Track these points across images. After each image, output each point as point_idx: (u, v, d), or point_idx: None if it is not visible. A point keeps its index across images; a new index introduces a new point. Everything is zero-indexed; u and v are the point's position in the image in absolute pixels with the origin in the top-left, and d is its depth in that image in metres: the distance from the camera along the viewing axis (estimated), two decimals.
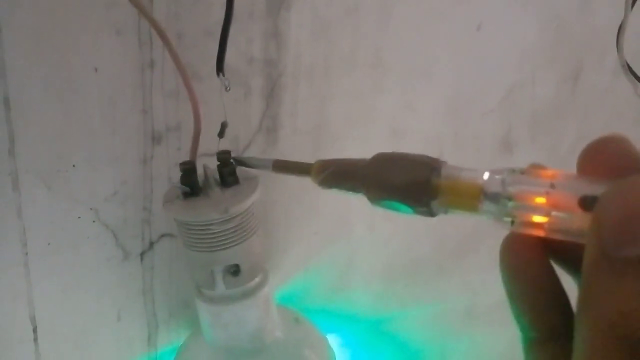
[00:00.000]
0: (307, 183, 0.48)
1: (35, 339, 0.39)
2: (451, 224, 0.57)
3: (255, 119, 0.43)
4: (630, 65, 0.52)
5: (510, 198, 0.16)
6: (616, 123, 0.64)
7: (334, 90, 0.46)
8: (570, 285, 0.18)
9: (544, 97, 0.59)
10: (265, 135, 0.44)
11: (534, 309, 0.17)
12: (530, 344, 0.18)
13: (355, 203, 0.51)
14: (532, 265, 0.17)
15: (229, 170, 0.34)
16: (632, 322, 0.12)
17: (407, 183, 0.19)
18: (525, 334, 0.18)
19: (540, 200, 0.16)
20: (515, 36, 0.54)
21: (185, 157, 0.39)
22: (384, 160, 0.20)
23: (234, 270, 0.34)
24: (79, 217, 0.38)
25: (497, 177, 0.17)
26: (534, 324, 0.17)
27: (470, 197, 0.17)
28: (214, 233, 0.33)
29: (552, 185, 0.16)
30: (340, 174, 0.22)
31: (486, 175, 0.17)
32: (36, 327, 0.39)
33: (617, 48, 0.55)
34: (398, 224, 0.54)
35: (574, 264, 0.17)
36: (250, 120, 0.42)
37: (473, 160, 0.56)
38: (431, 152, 0.56)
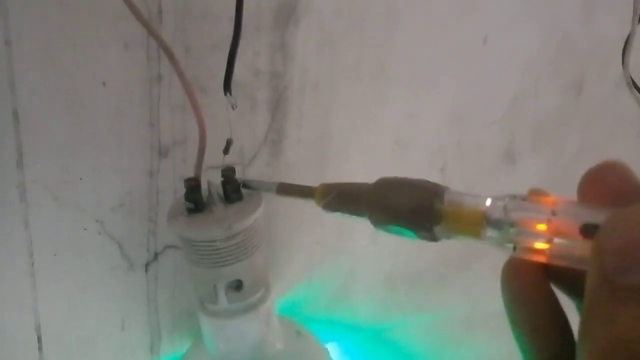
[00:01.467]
0: None
1: (40, 348, 0.39)
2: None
3: (261, 131, 0.43)
4: (635, 80, 0.52)
5: (512, 225, 0.17)
6: (618, 134, 0.64)
7: (339, 101, 0.46)
8: (570, 308, 0.18)
9: (547, 108, 0.59)
10: (271, 147, 0.44)
11: (535, 332, 0.18)
12: None
13: None
14: (534, 289, 0.18)
15: (233, 187, 0.34)
16: (633, 349, 0.12)
17: (411, 209, 0.19)
18: (526, 357, 0.18)
19: (542, 227, 0.16)
20: (520, 48, 0.54)
21: (192, 171, 0.39)
22: (387, 186, 0.21)
23: (237, 286, 0.35)
24: (85, 228, 0.38)
25: (499, 203, 0.17)
26: (536, 348, 0.18)
27: (473, 224, 0.18)
28: (217, 249, 0.33)
29: (554, 213, 0.16)
30: (343, 199, 0.22)
31: (488, 202, 0.17)
32: (41, 336, 0.39)
33: (623, 64, 0.56)
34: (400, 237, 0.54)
35: (575, 290, 0.17)
36: (256, 132, 0.43)
37: (476, 171, 0.57)
38: (435, 162, 0.57)
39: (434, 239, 0.19)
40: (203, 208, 0.34)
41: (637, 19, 0.50)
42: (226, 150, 0.34)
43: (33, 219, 0.36)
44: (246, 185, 0.33)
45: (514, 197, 0.17)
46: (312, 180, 0.48)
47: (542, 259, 0.16)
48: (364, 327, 0.55)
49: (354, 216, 0.22)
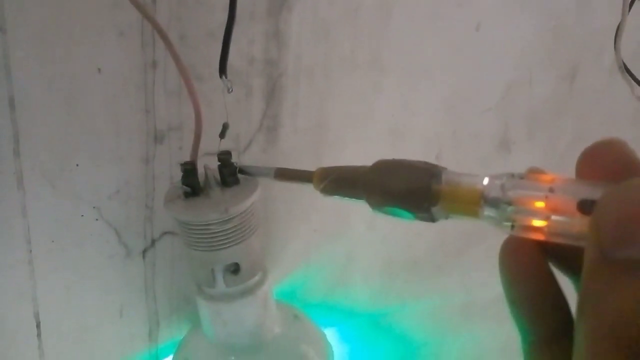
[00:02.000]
0: None
1: (39, 335, 0.40)
2: (450, 221, 0.58)
3: (256, 118, 0.43)
4: (628, 66, 0.52)
5: (509, 203, 0.17)
6: (613, 122, 0.65)
7: (334, 89, 0.46)
8: (569, 288, 0.19)
9: (542, 96, 0.59)
10: (266, 134, 0.44)
11: (533, 312, 0.18)
12: (530, 347, 0.18)
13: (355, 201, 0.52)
14: (532, 268, 0.18)
15: (230, 171, 0.34)
16: (631, 323, 0.12)
17: (408, 190, 0.19)
18: (525, 336, 0.18)
19: (540, 204, 0.16)
20: (514, 36, 0.54)
21: (187, 157, 0.39)
22: (384, 167, 0.21)
23: (234, 269, 0.35)
24: (83, 215, 0.39)
25: (496, 182, 0.17)
26: (534, 326, 0.18)
27: (471, 203, 0.18)
28: (214, 233, 0.33)
29: (551, 190, 0.16)
30: (341, 182, 0.22)
31: (486, 181, 0.18)
32: (39, 323, 0.40)
33: (615, 49, 0.56)
34: (397, 221, 0.55)
35: (573, 268, 0.18)
36: (251, 119, 0.43)
37: (471, 159, 0.57)
38: (430, 150, 0.57)
39: (432, 219, 0.19)
40: (199, 192, 0.34)
41: (628, 5, 0.50)
42: (222, 135, 0.35)
43: (31, 207, 0.37)
44: (243, 171, 0.33)
45: (511, 175, 0.17)
46: (308, 167, 0.48)
47: (540, 237, 0.16)
48: (361, 313, 0.56)
49: (352, 199, 0.22)
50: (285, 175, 0.27)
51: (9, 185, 0.36)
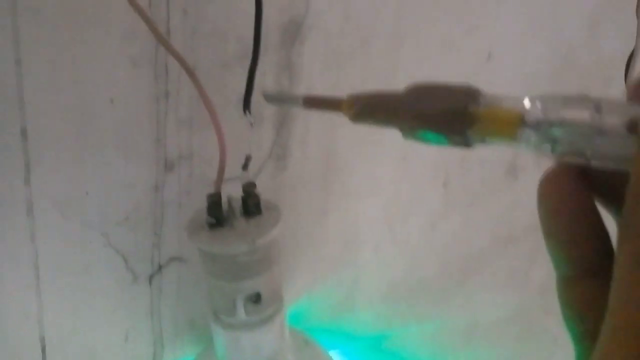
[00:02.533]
0: (315, 207, 0.48)
1: (44, 359, 0.40)
2: (455, 247, 0.58)
3: (266, 146, 0.43)
4: None
5: (551, 124, 0.16)
6: None
7: (344, 118, 0.46)
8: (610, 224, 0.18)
9: None
10: (275, 162, 0.44)
11: (572, 244, 0.17)
12: (566, 281, 0.17)
13: (363, 226, 0.52)
14: (573, 198, 0.17)
15: (254, 202, 0.35)
16: None
17: (443, 110, 0.18)
18: (560, 270, 0.17)
19: (585, 125, 0.15)
20: (524, 64, 0.54)
21: (197, 185, 0.40)
22: (418, 90, 0.20)
23: (256, 299, 0.35)
24: (91, 242, 0.39)
25: (538, 102, 0.16)
26: (572, 260, 0.17)
27: (509, 124, 0.17)
28: (239, 264, 0.33)
29: (597, 109, 0.15)
30: (372, 106, 0.21)
31: (526, 101, 0.17)
32: (45, 347, 0.40)
33: (626, 79, 0.56)
34: (403, 246, 0.55)
35: (616, 199, 0.16)
36: (261, 147, 0.43)
37: (479, 185, 0.57)
38: (438, 176, 0.57)
39: (466, 143, 0.18)
40: (224, 222, 0.34)
41: None
42: (245, 167, 0.35)
43: (39, 233, 0.37)
44: (271, 98, 0.31)
45: (554, 96, 0.16)
46: (315, 192, 0.49)
47: (582, 161, 0.15)
48: (365, 336, 0.56)
49: (383, 125, 0.21)
50: (314, 102, 0.25)
51: (18, 212, 0.36)
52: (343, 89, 0.45)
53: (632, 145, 0.14)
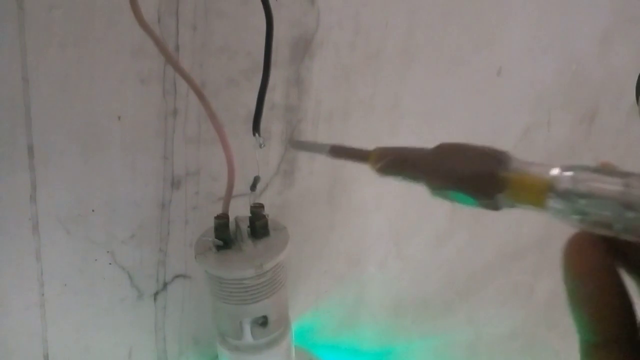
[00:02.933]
0: (321, 222, 0.48)
1: None
2: (461, 262, 0.58)
3: (274, 162, 0.43)
4: None
5: (581, 195, 0.16)
6: (631, 163, 0.64)
7: (352, 132, 0.46)
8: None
9: (560, 138, 0.59)
10: (283, 177, 0.44)
11: (597, 312, 0.17)
12: (589, 348, 0.17)
13: (368, 241, 0.51)
14: (599, 267, 0.17)
15: (262, 224, 0.34)
16: None
17: (474, 174, 0.18)
18: (584, 337, 0.17)
19: (614, 198, 0.15)
20: (534, 79, 0.54)
21: (203, 202, 0.39)
22: (448, 150, 0.20)
23: (262, 322, 0.34)
24: (96, 260, 0.38)
25: (567, 173, 0.16)
26: (596, 327, 0.17)
27: (539, 192, 0.17)
28: (246, 287, 0.33)
29: (627, 185, 0.15)
30: (400, 162, 0.21)
31: (556, 171, 0.17)
32: None
33: (637, 95, 0.55)
34: (409, 262, 0.54)
35: (639, 270, 0.17)
36: (269, 163, 0.43)
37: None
38: None
39: (495, 207, 0.18)
40: (231, 244, 0.34)
41: None
42: (253, 187, 0.34)
43: (44, 251, 0.36)
44: (298, 145, 0.32)
45: (584, 167, 0.16)
46: (322, 206, 0.48)
47: (609, 233, 0.16)
48: (370, 351, 0.55)
49: (410, 180, 0.21)
50: (342, 152, 0.25)
51: (24, 230, 0.35)
52: (352, 104, 0.45)
53: None
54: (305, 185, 0.45)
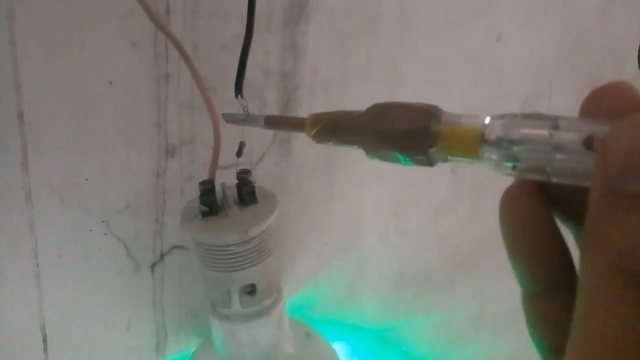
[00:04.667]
0: (319, 194, 0.47)
1: (45, 349, 0.39)
2: (462, 235, 0.57)
3: (269, 132, 0.42)
4: None
5: (511, 142, 0.16)
6: None
7: (349, 100, 0.45)
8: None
9: (561, 106, 0.58)
10: (279, 148, 0.43)
11: (534, 260, 0.17)
12: (530, 297, 0.17)
13: (368, 213, 0.51)
14: (534, 216, 0.17)
15: (249, 190, 0.33)
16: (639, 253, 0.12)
17: (405, 131, 0.18)
18: (524, 286, 0.17)
19: (543, 142, 0.15)
20: (534, 46, 0.53)
21: (199, 170, 0.38)
22: (380, 109, 0.19)
23: (251, 290, 0.34)
24: (91, 230, 0.38)
25: (498, 121, 0.16)
26: (535, 275, 0.17)
27: (471, 142, 0.17)
28: (232, 254, 0.32)
29: (555, 127, 0.15)
30: (335, 126, 0.21)
31: (487, 120, 0.17)
32: (46, 336, 0.39)
33: (639, 61, 0.54)
34: (409, 234, 0.54)
35: (575, 216, 0.17)
36: (265, 132, 0.42)
37: (487, 171, 0.56)
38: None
39: (429, 163, 0.18)
40: (217, 211, 0.33)
41: None
42: (239, 154, 0.34)
43: (38, 221, 0.36)
44: (231, 119, 0.29)
45: (514, 115, 0.16)
46: (321, 179, 0.47)
47: (542, 177, 0.16)
48: (371, 327, 0.55)
49: (346, 145, 0.21)
50: (276, 122, 0.25)
51: (17, 200, 0.35)
52: (349, 71, 0.44)
53: (590, 161, 0.14)
54: (303, 155, 0.45)
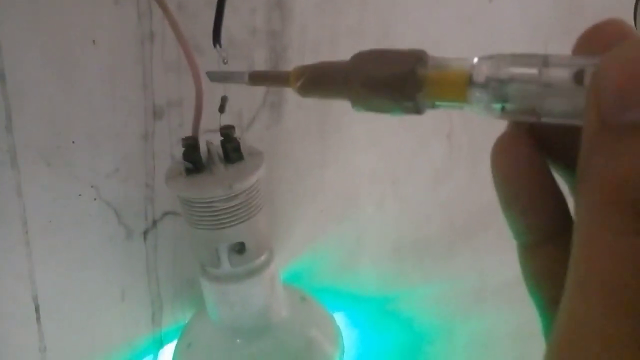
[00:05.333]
0: (313, 159, 0.47)
1: (38, 319, 0.39)
2: (461, 202, 0.56)
3: (259, 94, 0.41)
4: None
5: (500, 81, 0.15)
6: None
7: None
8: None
9: None
10: (270, 111, 0.42)
11: (529, 210, 0.16)
12: (526, 250, 0.17)
13: (364, 180, 0.50)
14: (526, 161, 0.16)
15: (233, 146, 0.33)
16: (636, 185, 0.11)
17: (391, 76, 0.17)
18: (520, 239, 0.17)
19: (532, 79, 0.15)
20: (528, 8, 0.52)
21: (188, 133, 0.38)
22: (365, 56, 0.19)
23: (239, 249, 0.34)
24: (80, 195, 0.37)
25: (486, 61, 0.16)
26: (530, 227, 0.16)
27: (459, 85, 0.16)
28: (218, 210, 0.32)
29: (545, 63, 0.14)
30: (319, 76, 0.20)
31: (475, 61, 0.16)
32: (38, 306, 0.38)
33: (635, 22, 0.54)
34: (407, 202, 0.53)
35: (568, 160, 0.16)
36: (254, 95, 0.41)
37: (483, 136, 0.55)
38: (441, 128, 0.55)
39: (417, 110, 0.17)
40: (202, 168, 0.33)
41: None
42: (222, 109, 0.33)
43: (26, 186, 0.35)
44: (215, 77, 0.28)
45: (502, 55, 0.16)
46: (313, 144, 0.47)
47: (533, 118, 0.15)
48: (370, 297, 0.54)
49: (333, 97, 0.20)
50: (261, 77, 0.24)
51: (2, 164, 0.34)
52: (340, 31, 0.43)
53: (581, 96, 0.13)
54: (294, 119, 0.44)
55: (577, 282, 0.13)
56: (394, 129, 0.49)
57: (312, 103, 0.44)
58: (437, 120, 0.51)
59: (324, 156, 0.47)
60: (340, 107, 0.45)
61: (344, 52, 0.44)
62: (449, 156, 0.54)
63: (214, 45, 0.31)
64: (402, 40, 0.46)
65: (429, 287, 0.59)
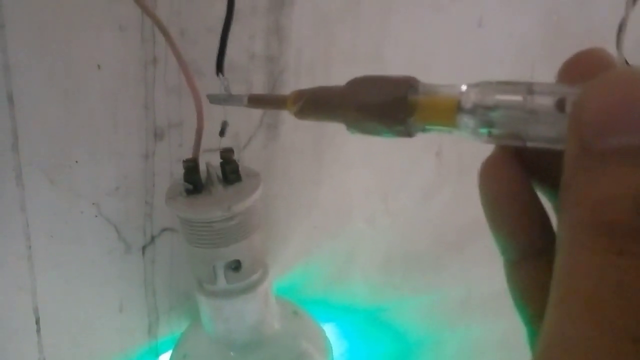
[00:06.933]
0: (308, 177, 0.48)
1: (38, 330, 0.40)
2: (449, 217, 0.58)
3: (256, 115, 0.43)
4: (629, 62, 0.52)
5: (487, 107, 0.16)
6: None
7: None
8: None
9: None
10: (266, 131, 0.44)
11: (515, 228, 0.17)
12: (512, 265, 0.18)
13: (356, 196, 0.52)
14: (512, 183, 0.17)
15: (232, 168, 0.34)
16: (615, 208, 0.12)
17: (384, 101, 0.19)
18: (506, 255, 0.18)
19: (518, 106, 0.16)
20: (515, 30, 0.54)
21: (187, 154, 0.39)
22: (359, 82, 0.20)
23: (236, 266, 0.35)
24: (82, 212, 0.38)
25: (474, 88, 0.17)
26: (516, 244, 0.17)
27: (448, 111, 0.17)
28: (216, 230, 0.33)
29: (530, 92, 0.16)
30: (316, 101, 0.22)
31: (463, 88, 0.17)
32: (39, 318, 0.40)
33: (617, 45, 0.56)
34: (397, 217, 0.55)
35: (551, 182, 0.17)
36: (251, 116, 0.43)
37: (471, 154, 0.57)
38: (430, 146, 0.57)
39: (408, 133, 0.19)
40: (202, 189, 0.34)
41: (632, 1, 0.50)
42: (222, 133, 0.35)
43: (29, 202, 0.37)
44: (214, 99, 0.29)
45: (489, 82, 0.17)
46: (310, 162, 0.48)
47: (518, 143, 0.16)
48: (360, 308, 0.56)
49: (328, 120, 0.22)
50: (259, 101, 0.25)
51: (7, 181, 0.36)
52: (333, 53, 0.45)
53: (564, 123, 0.14)
54: (290, 139, 0.45)
55: (559, 299, 0.13)
56: (385, 148, 0.51)
57: (308, 123, 0.45)
58: (426, 140, 0.53)
59: (318, 174, 0.48)
60: (335, 127, 0.47)
61: (337, 74, 0.46)
62: (437, 173, 0.55)
63: (217, 74, 0.33)
64: (393, 63, 0.47)
65: (418, 298, 0.61)
